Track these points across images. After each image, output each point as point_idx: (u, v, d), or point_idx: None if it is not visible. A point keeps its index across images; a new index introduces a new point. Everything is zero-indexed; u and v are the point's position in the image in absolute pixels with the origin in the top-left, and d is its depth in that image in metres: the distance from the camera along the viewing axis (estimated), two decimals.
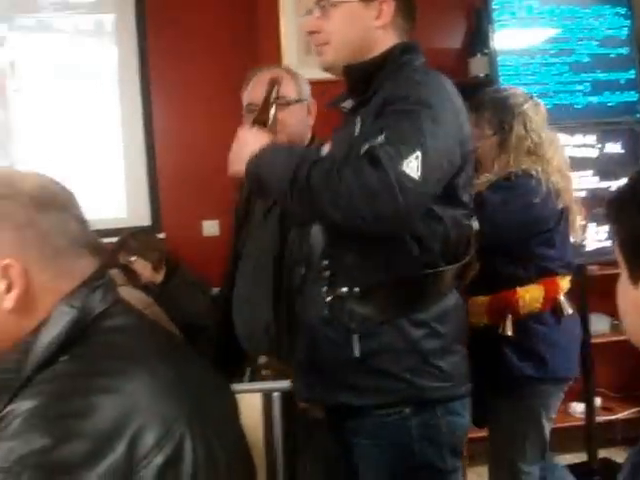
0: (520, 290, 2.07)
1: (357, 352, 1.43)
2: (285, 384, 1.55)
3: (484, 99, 2.20)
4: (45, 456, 0.82)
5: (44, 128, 3.47)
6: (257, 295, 1.89)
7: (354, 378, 1.45)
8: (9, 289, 0.94)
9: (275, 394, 1.50)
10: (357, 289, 1.43)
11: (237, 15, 3.52)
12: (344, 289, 1.44)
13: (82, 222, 1.00)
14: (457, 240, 1.46)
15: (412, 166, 1.28)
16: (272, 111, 1.59)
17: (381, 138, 1.32)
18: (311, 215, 1.42)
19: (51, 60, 3.49)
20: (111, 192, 3.52)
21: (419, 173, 1.28)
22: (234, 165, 1.47)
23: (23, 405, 0.87)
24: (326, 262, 1.50)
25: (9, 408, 0.89)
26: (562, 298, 2.12)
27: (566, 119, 3.07)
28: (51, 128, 3.47)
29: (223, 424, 1.03)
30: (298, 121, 1.96)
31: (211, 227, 3.51)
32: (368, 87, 1.48)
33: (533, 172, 2.06)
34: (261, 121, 1.56)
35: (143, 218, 3.52)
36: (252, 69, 2.05)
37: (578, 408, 3.28)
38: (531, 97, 2.20)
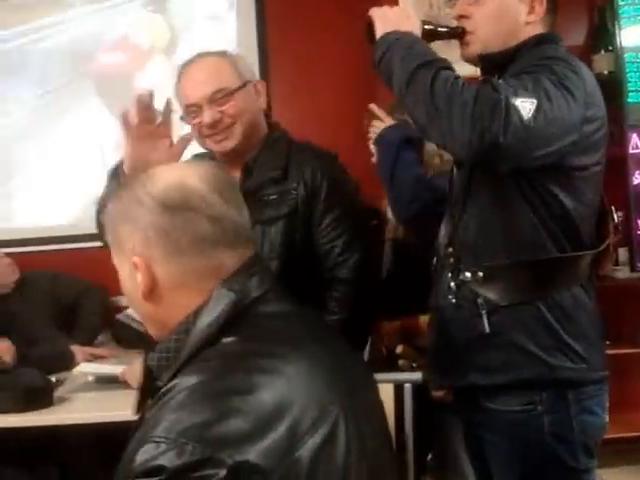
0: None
1: (487, 328, 1.43)
2: (417, 375, 1.58)
3: None
4: (207, 430, 0.86)
5: None
6: None
7: (484, 356, 1.45)
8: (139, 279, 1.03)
9: (407, 385, 1.54)
10: (480, 273, 1.44)
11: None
12: (468, 274, 1.46)
13: (215, 220, 1.02)
14: (574, 226, 1.43)
15: (525, 106, 1.26)
16: (438, 33, 1.54)
17: (501, 81, 1.34)
18: (417, 112, 1.37)
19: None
20: None
21: (530, 115, 1.25)
22: (380, 21, 1.47)
23: (187, 381, 0.93)
24: (450, 249, 1.52)
25: (173, 383, 0.94)
26: None
27: None
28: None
29: (371, 408, 1.08)
30: (247, 106, 1.78)
31: None
32: (500, 76, 1.47)
33: None
34: (430, 22, 1.53)
35: None
36: (183, 62, 1.84)
37: None
38: None
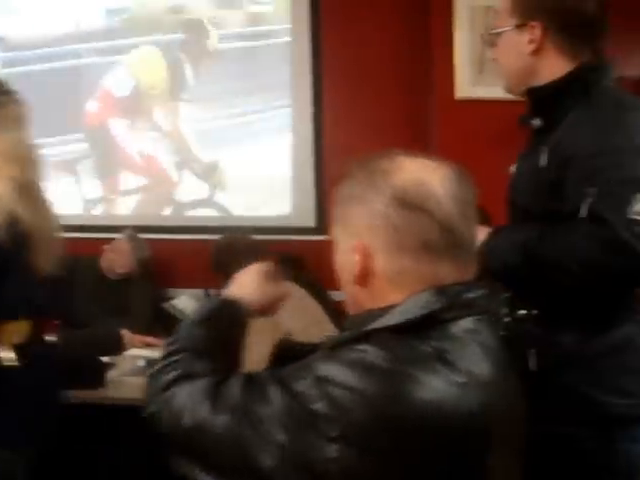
0: None
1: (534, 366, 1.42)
2: None
3: None
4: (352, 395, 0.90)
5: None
6: None
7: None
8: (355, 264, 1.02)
9: None
10: (535, 311, 1.45)
11: (411, 35, 3.70)
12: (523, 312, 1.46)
13: (445, 229, 0.98)
14: None
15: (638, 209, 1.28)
16: None
17: (592, 191, 1.32)
18: (540, 279, 1.40)
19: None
20: (277, 190, 3.83)
21: None
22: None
23: (371, 351, 0.93)
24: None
25: (360, 346, 0.94)
26: None
27: None
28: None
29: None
30: None
31: None
32: (553, 109, 1.47)
33: None
34: None
35: (308, 219, 3.80)
36: None
37: None
38: None
